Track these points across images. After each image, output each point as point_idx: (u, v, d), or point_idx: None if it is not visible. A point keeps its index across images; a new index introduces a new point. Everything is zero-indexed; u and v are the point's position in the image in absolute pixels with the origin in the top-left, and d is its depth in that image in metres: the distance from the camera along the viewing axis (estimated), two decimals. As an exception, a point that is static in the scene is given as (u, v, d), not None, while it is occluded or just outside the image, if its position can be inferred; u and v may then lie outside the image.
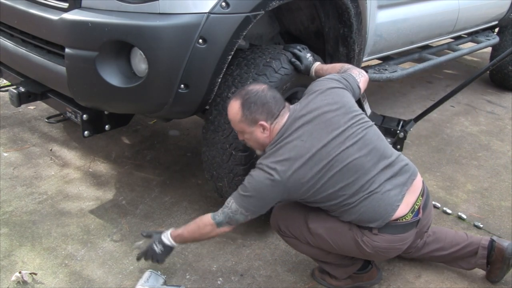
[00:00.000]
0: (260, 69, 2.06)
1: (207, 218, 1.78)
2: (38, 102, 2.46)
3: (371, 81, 2.61)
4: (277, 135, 1.72)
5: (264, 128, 1.73)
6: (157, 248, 1.89)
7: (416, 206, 1.76)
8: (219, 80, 1.94)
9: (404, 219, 1.73)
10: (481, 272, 2.20)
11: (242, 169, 2.08)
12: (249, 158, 2.07)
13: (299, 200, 1.75)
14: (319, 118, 1.71)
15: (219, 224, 1.76)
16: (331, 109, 1.73)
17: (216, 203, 2.60)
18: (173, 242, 1.89)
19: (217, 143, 2.10)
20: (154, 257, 1.90)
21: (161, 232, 1.93)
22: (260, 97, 1.73)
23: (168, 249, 1.91)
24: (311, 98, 1.78)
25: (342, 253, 1.87)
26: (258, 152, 1.86)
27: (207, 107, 2.12)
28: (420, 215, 1.79)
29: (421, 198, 1.79)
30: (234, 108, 1.75)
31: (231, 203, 1.74)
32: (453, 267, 2.18)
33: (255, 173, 1.69)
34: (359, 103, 2.88)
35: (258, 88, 1.76)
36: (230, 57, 1.90)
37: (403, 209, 1.72)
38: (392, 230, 1.73)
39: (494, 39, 4.18)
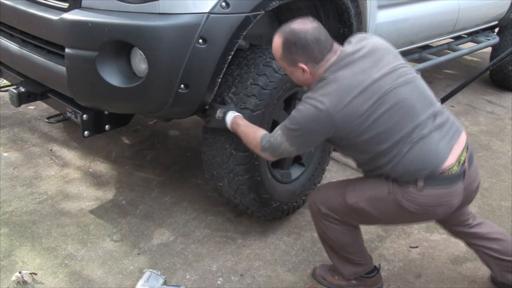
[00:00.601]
0: (261, 69, 2.06)
1: (259, 135, 1.78)
2: (38, 102, 2.46)
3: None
4: (325, 72, 1.64)
5: (304, 70, 1.66)
6: (219, 113, 1.97)
7: (462, 159, 1.68)
8: (219, 80, 1.94)
9: (450, 171, 1.64)
10: (481, 272, 2.20)
11: (242, 169, 2.08)
12: (249, 157, 2.07)
13: (345, 141, 1.67)
14: (370, 55, 1.65)
15: (263, 149, 1.75)
16: (382, 48, 1.69)
17: (216, 203, 2.60)
18: (229, 124, 1.94)
19: (217, 143, 2.10)
20: (211, 118, 2.00)
21: (229, 110, 1.98)
22: (302, 39, 1.62)
23: (222, 124, 1.97)
24: (360, 40, 1.73)
25: (387, 222, 1.83)
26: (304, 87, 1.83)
27: (207, 107, 2.12)
28: (465, 167, 1.70)
29: (465, 152, 1.71)
30: (276, 44, 1.68)
31: (277, 134, 1.70)
32: (495, 275, 2.07)
33: (302, 107, 1.62)
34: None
35: (303, 27, 1.64)
36: (230, 57, 1.90)
37: (450, 160, 1.64)
38: (439, 183, 1.64)
39: (494, 39, 4.18)
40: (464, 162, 1.70)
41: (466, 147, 1.72)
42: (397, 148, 1.61)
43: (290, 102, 2.27)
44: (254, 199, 2.19)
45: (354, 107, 1.57)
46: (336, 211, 1.83)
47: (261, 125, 2.05)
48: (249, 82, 2.03)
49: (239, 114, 1.96)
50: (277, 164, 2.36)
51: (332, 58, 1.65)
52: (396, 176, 1.67)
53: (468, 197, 1.84)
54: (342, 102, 1.57)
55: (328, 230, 1.89)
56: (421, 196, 1.64)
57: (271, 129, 2.14)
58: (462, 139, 1.71)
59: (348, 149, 1.76)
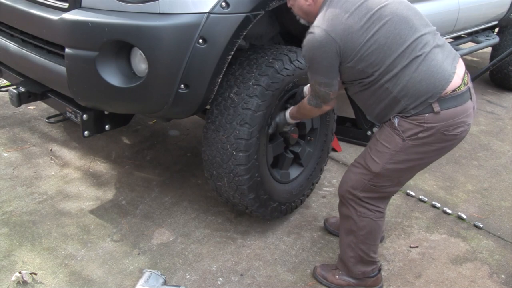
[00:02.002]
0: (263, 69, 2.06)
1: (306, 102, 1.92)
2: (38, 102, 2.46)
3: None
4: (323, 4, 1.71)
5: None
6: (278, 117, 2.19)
7: (465, 79, 1.73)
8: (219, 80, 1.94)
9: (459, 89, 1.68)
10: (481, 272, 2.20)
11: (242, 169, 2.08)
12: (249, 158, 2.07)
13: (353, 65, 1.68)
14: None
15: (316, 105, 1.86)
16: None
17: (216, 203, 2.60)
18: (290, 117, 2.16)
19: (218, 143, 2.10)
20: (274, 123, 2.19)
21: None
22: None
23: (285, 121, 2.19)
24: None
25: (420, 167, 1.84)
26: (301, 20, 1.89)
27: (208, 106, 2.12)
28: (469, 86, 1.75)
29: (467, 75, 1.76)
30: None
31: (310, 87, 1.83)
32: None
33: (305, 41, 1.69)
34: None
35: None
36: (230, 57, 1.90)
37: (457, 80, 1.68)
38: (452, 102, 1.67)
39: (494, 39, 4.18)
40: (467, 83, 1.74)
41: (466, 72, 1.77)
42: (403, 64, 1.64)
43: (290, 103, 2.27)
44: (253, 199, 2.19)
45: (350, 23, 1.63)
46: (372, 189, 1.85)
47: (261, 126, 2.07)
48: (251, 83, 2.03)
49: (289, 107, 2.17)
50: (277, 164, 2.36)
51: None
52: (409, 104, 1.67)
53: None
54: (339, 21, 1.63)
55: (360, 218, 1.92)
56: (440, 119, 1.67)
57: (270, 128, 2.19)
58: (462, 62, 1.76)
59: (358, 84, 1.75)
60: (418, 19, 1.70)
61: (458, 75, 1.69)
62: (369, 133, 3.17)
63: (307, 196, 2.60)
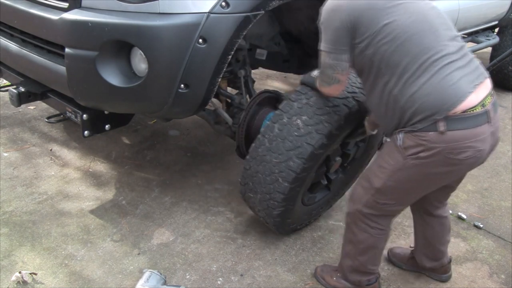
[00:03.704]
0: (340, 107, 1.97)
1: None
2: (38, 102, 2.45)
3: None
4: None
5: None
6: (314, 73, 1.99)
7: (486, 102, 1.55)
8: (219, 79, 1.94)
9: (472, 111, 1.51)
10: (481, 272, 2.20)
11: (281, 197, 2.00)
12: (292, 190, 1.99)
13: (367, 46, 1.57)
14: None
15: (321, 82, 1.81)
16: None
17: (216, 203, 2.60)
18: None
19: (267, 163, 2.00)
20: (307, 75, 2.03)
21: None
22: None
23: (313, 79, 1.98)
24: None
25: (422, 191, 1.75)
26: None
27: (268, 122, 2.04)
28: (488, 109, 1.56)
29: (490, 98, 1.59)
30: None
31: (320, 60, 1.72)
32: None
33: (325, 5, 1.65)
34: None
35: None
36: (230, 57, 1.90)
37: (473, 100, 1.51)
38: (462, 124, 1.51)
39: (494, 39, 4.18)
40: (487, 105, 1.57)
41: (491, 94, 1.61)
42: (416, 70, 1.52)
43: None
44: (278, 221, 2.15)
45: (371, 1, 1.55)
46: (375, 206, 1.78)
47: (316, 165, 2.02)
48: (323, 118, 1.95)
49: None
50: (310, 188, 2.29)
51: None
52: (413, 116, 1.54)
53: (494, 144, 1.68)
54: None
55: (360, 231, 1.86)
56: (444, 141, 1.51)
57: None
58: (488, 83, 1.61)
59: (369, 82, 1.67)
60: (445, 29, 1.58)
61: (477, 95, 1.53)
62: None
63: (320, 215, 2.55)
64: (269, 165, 1.99)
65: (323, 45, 1.67)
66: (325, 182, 2.38)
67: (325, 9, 1.64)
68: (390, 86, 1.58)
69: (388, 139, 1.75)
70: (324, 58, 1.69)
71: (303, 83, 2.04)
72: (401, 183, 1.68)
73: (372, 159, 1.86)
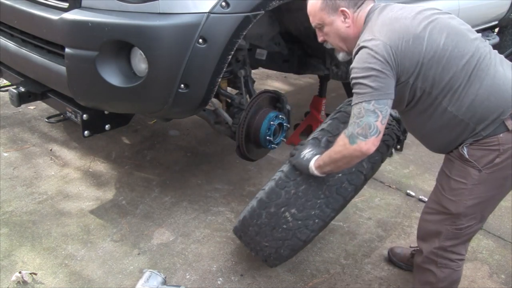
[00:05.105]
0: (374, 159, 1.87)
1: (341, 139, 1.55)
2: (38, 102, 2.46)
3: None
4: (367, 16, 1.57)
5: (345, 16, 1.58)
6: (307, 153, 1.75)
7: None
8: (219, 79, 1.94)
9: None
10: (481, 272, 2.20)
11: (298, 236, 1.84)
12: (309, 236, 1.86)
13: (415, 79, 1.49)
14: (408, 4, 1.59)
15: (351, 139, 1.49)
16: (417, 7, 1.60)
17: (216, 203, 2.60)
18: (313, 167, 1.70)
19: (257, 243, 1.91)
20: (298, 154, 1.77)
21: (318, 154, 1.73)
22: None
23: (305, 164, 1.73)
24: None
25: (502, 196, 1.65)
26: (340, 55, 1.70)
27: (254, 204, 1.87)
28: None
29: None
30: None
31: (352, 110, 1.51)
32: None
33: (356, 57, 1.50)
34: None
35: None
36: (230, 57, 1.90)
37: None
38: None
39: (494, 39, 4.18)
40: None
41: None
42: (465, 81, 1.47)
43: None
44: (279, 254, 1.95)
45: (408, 29, 1.47)
46: (457, 234, 1.66)
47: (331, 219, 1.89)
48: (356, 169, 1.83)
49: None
50: None
51: (370, 3, 1.60)
52: (478, 124, 1.50)
53: None
54: (389, 29, 1.47)
55: (441, 269, 1.72)
56: None
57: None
58: None
59: (413, 108, 1.58)
60: (471, 33, 1.55)
61: None
62: None
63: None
64: (260, 244, 1.92)
65: (360, 96, 1.47)
66: None
67: (359, 59, 1.48)
68: (443, 105, 1.52)
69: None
70: (362, 107, 1.47)
71: (292, 165, 1.82)
72: (482, 198, 1.59)
73: (433, 193, 1.72)
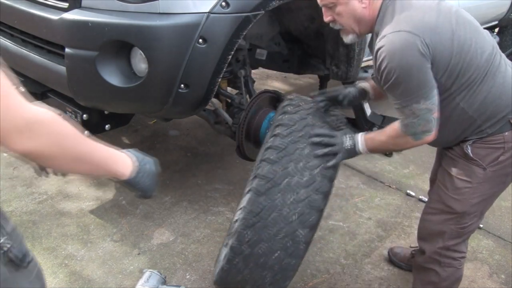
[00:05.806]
0: None
1: (395, 128, 1.51)
2: (38, 102, 2.45)
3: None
4: (384, 6, 1.46)
5: None
6: (348, 142, 1.60)
7: None
8: (219, 79, 1.94)
9: None
10: (481, 272, 2.20)
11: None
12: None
13: (444, 74, 1.43)
14: None
15: (415, 136, 1.46)
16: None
17: (216, 203, 2.60)
18: (363, 147, 1.59)
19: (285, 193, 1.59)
20: (341, 149, 1.59)
21: (353, 132, 1.64)
22: None
23: (354, 152, 1.60)
24: None
25: (501, 192, 1.66)
26: (350, 37, 1.59)
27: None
28: None
29: None
30: None
31: (401, 110, 1.46)
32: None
33: (384, 51, 1.38)
34: (360, 105, 2.87)
35: None
36: (230, 57, 1.90)
37: None
38: None
39: (494, 39, 4.18)
40: None
41: None
42: (481, 78, 1.45)
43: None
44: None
45: (439, 23, 1.40)
46: (460, 233, 1.66)
47: None
48: None
49: (363, 132, 1.64)
50: None
51: None
52: (485, 122, 1.49)
53: None
54: (421, 20, 1.39)
55: (444, 268, 1.72)
56: None
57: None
58: None
59: (449, 96, 1.50)
60: (483, 29, 1.52)
61: None
62: None
63: None
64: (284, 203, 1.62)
65: (407, 100, 1.41)
66: None
67: (390, 56, 1.37)
68: (456, 101, 1.49)
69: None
70: (413, 108, 1.42)
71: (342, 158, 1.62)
72: (486, 195, 1.60)
73: (435, 192, 1.70)
